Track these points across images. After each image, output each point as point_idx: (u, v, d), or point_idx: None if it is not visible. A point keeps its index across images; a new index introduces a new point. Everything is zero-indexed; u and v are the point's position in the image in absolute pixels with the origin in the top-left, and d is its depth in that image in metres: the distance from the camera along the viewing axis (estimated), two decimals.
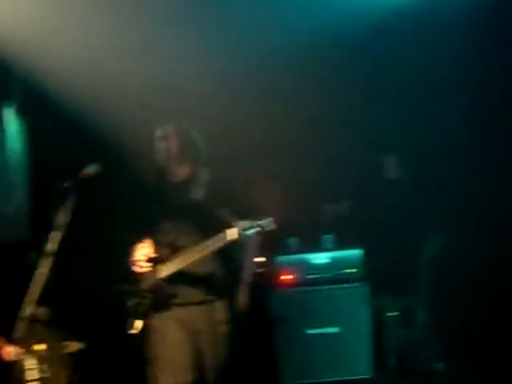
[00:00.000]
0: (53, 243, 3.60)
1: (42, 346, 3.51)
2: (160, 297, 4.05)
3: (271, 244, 6.05)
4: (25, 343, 4.03)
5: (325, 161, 6.12)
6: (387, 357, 5.72)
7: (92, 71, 5.51)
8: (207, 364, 4.04)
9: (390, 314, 5.76)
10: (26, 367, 5.04)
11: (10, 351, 5.35)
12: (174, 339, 4.03)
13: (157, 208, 4.16)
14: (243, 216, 3.83)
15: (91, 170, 3.92)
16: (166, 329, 4.05)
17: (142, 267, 4.07)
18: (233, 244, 3.96)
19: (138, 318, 4.08)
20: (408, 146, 6.25)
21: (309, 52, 5.72)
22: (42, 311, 3.48)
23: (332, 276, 5.66)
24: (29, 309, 3.47)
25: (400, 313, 5.80)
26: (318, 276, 5.66)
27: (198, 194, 4.11)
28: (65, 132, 6.54)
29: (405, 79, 5.94)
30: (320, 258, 5.70)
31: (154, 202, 4.18)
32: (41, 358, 3.50)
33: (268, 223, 3.76)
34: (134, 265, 4.06)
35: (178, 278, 4.01)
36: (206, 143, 4.20)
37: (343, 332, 5.58)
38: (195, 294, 4.06)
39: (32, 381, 4.89)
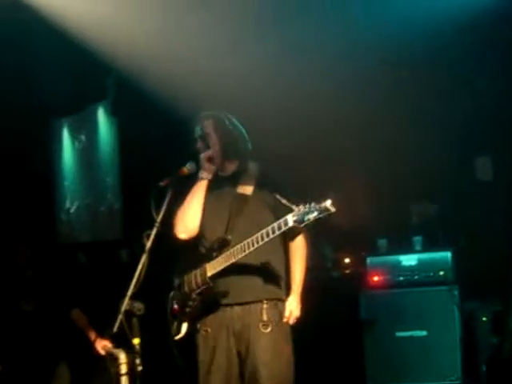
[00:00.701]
0: (151, 240, 3.63)
1: (137, 341, 3.52)
2: (208, 297, 3.90)
3: (360, 244, 6.08)
4: (120, 337, 4.10)
5: (416, 161, 6.04)
6: (478, 364, 5.58)
7: (185, 71, 5.59)
8: (251, 367, 3.82)
9: (481, 319, 5.62)
10: (119, 361, 5.16)
11: (104, 345, 5.50)
12: (223, 343, 3.88)
13: (206, 204, 4.04)
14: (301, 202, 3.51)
15: (188, 168, 3.93)
16: (215, 333, 3.90)
17: None
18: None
19: (185, 322, 3.96)
20: (502, 147, 6.10)
21: (404, 51, 5.66)
22: (138, 306, 3.50)
23: (421, 278, 5.57)
24: (125, 303, 3.50)
25: (491, 318, 5.66)
26: (408, 278, 5.58)
27: (246, 187, 3.96)
28: (155, 132, 6.67)
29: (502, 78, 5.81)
30: (410, 259, 5.62)
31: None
32: (136, 352, 3.52)
33: (327, 206, 3.40)
34: None
35: (228, 274, 3.84)
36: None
37: (431, 336, 5.48)
38: (245, 292, 3.87)
39: (124, 374, 5.02)
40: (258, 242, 3.69)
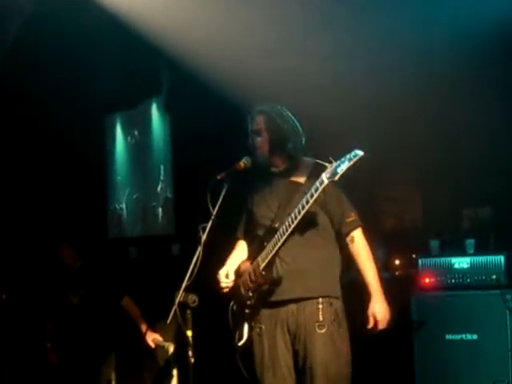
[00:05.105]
0: (206, 233, 3.65)
1: (190, 333, 3.56)
2: (263, 291, 3.88)
3: (411, 246, 6.02)
4: (173, 330, 4.14)
5: (469, 165, 5.95)
6: None
7: (240, 66, 5.61)
8: (308, 367, 3.81)
9: None
10: (169, 354, 5.22)
11: (154, 338, 5.56)
12: (278, 341, 3.88)
13: (256, 200, 4.08)
14: None
15: (245, 162, 3.96)
16: (269, 330, 3.90)
17: (222, 289, 3.98)
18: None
19: (245, 324, 3.95)
20: None
21: (464, 52, 5.57)
22: (193, 298, 3.54)
23: (473, 282, 5.49)
24: (179, 295, 3.54)
25: None
26: (460, 281, 5.51)
27: (299, 179, 3.92)
28: (208, 128, 6.70)
29: None
30: (462, 262, 5.55)
31: (254, 194, 4.12)
32: (188, 344, 3.56)
33: (356, 152, 3.45)
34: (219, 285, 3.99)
35: (281, 269, 3.83)
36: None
37: (482, 340, 5.38)
38: (298, 287, 3.84)
39: (174, 367, 5.08)
40: (299, 213, 3.67)
